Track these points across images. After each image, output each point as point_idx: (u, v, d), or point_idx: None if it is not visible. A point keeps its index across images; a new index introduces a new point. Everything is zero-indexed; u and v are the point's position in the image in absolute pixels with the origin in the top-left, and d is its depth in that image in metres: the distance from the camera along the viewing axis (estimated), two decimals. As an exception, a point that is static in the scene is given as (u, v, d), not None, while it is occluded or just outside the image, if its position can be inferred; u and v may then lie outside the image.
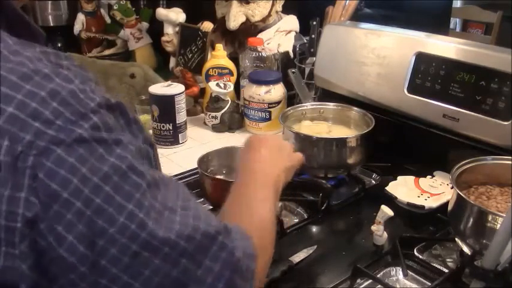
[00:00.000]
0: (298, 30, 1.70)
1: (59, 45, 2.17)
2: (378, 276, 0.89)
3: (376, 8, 1.92)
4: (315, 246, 0.97)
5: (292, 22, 1.71)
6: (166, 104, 1.37)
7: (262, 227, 0.64)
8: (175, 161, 1.35)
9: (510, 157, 0.98)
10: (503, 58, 1.07)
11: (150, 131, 1.44)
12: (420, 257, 0.93)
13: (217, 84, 1.51)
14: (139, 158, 0.49)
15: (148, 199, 0.47)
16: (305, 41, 1.61)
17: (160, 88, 1.40)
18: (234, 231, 0.55)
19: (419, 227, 1.03)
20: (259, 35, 1.65)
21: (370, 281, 0.88)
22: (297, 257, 0.93)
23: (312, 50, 1.54)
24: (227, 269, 0.51)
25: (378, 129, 1.19)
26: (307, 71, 1.55)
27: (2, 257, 0.43)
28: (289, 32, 1.69)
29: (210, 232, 0.51)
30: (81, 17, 2.06)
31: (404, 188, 1.12)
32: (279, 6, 1.69)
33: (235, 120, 1.52)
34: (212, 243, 0.51)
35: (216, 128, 1.52)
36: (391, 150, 1.28)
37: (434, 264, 0.92)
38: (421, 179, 1.15)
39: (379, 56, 1.29)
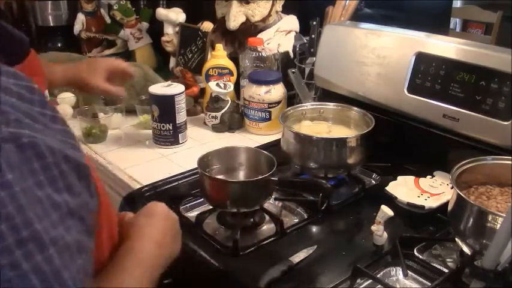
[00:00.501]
0: (298, 30, 1.70)
1: (59, 45, 2.17)
2: (378, 276, 0.89)
3: (376, 8, 1.92)
4: (315, 246, 0.97)
5: (292, 22, 1.71)
6: (166, 104, 1.37)
7: None
8: (175, 161, 1.35)
9: (510, 157, 0.98)
10: (503, 58, 1.07)
11: (150, 131, 1.44)
12: (420, 257, 0.93)
13: (217, 84, 1.51)
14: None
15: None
16: (305, 41, 1.61)
17: (160, 88, 1.40)
18: None
19: (419, 227, 1.03)
20: (259, 35, 1.65)
21: (370, 281, 0.88)
22: (297, 257, 0.93)
23: (312, 50, 1.54)
24: None
25: (378, 129, 1.19)
26: (307, 71, 1.55)
27: None
28: (289, 32, 1.69)
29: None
30: (81, 17, 2.06)
31: (404, 188, 1.12)
32: (279, 6, 1.69)
33: (235, 120, 1.52)
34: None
35: (216, 128, 1.52)
36: (391, 150, 1.28)
37: (434, 264, 0.92)
38: (421, 179, 1.15)
39: (379, 56, 1.29)
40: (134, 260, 0.67)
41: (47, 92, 0.72)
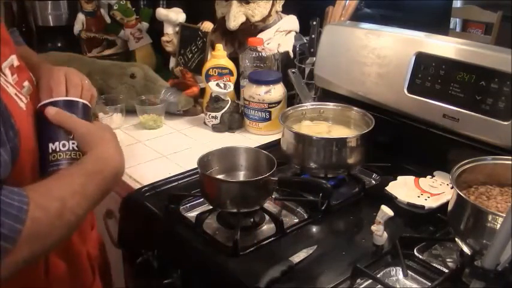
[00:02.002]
0: (298, 30, 1.70)
1: (59, 45, 2.17)
2: (378, 276, 0.89)
3: (376, 8, 1.92)
4: (315, 246, 0.97)
5: (292, 22, 1.71)
6: None
7: (49, 211, 0.66)
8: (175, 161, 1.35)
9: (510, 157, 0.98)
10: (503, 58, 1.07)
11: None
12: (420, 257, 0.93)
13: (217, 84, 1.51)
14: None
15: None
16: (305, 41, 1.61)
17: None
18: None
19: (419, 227, 1.03)
20: (259, 35, 1.65)
21: (370, 281, 0.88)
22: (297, 257, 0.93)
23: (312, 50, 1.54)
24: None
25: (378, 129, 1.19)
26: (307, 71, 1.55)
27: None
28: (289, 32, 1.69)
29: None
30: (81, 17, 2.06)
31: (404, 188, 1.12)
32: (279, 6, 1.69)
33: (235, 120, 1.52)
34: None
35: (216, 128, 1.52)
36: (391, 150, 1.28)
37: (434, 264, 0.92)
38: (421, 179, 1.15)
39: (379, 56, 1.29)
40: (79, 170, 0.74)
41: (6, 63, 0.74)
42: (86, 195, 0.72)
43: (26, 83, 0.82)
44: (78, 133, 0.80)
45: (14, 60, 0.80)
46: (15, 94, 0.75)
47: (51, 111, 0.80)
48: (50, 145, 0.79)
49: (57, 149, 0.79)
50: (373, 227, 0.97)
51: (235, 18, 1.61)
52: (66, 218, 0.68)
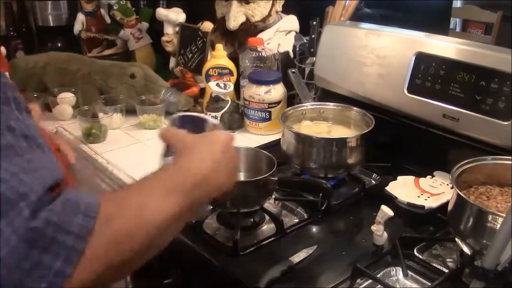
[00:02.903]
0: (298, 30, 1.70)
1: (59, 45, 2.17)
2: (378, 276, 0.89)
3: (376, 8, 1.92)
4: (315, 246, 0.97)
5: (292, 22, 1.71)
6: None
7: (140, 216, 0.58)
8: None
9: (510, 157, 0.98)
10: (503, 58, 1.07)
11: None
12: (420, 257, 0.93)
13: (217, 84, 1.51)
14: None
15: None
16: (305, 41, 1.61)
17: None
18: (62, 203, 0.52)
19: (419, 227, 1.03)
20: (259, 35, 1.65)
21: (370, 281, 0.88)
22: (297, 257, 0.93)
23: (312, 50, 1.54)
24: (16, 235, 0.48)
25: (378, 129, 1.19)
26: (307, 71, 1.55)
27: None
28: (289, 32, 1.69)
29: (8, 196, 0.49)
30: (81, 17, 2.06)
31: (404, 188, 1.12)
32: (279, 6, 1.69)
33: (235, 120, 1.52)
34: (9, 207, 0.49)
35: (216, 128, 1.52)
36: (391, 150, 1.28)
37: (434, 264, 0.92)
38: (421, 179, 1.15)
39: (379, 56, 1.29)
40: (185, 174, 0.66)
41: None
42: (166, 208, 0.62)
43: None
44: (175, 147, 0.75)
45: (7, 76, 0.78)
46: None
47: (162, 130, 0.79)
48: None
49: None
50: (373, 227, 0.97)
51: (235, 18, 1.61)
52: (145, 224, 0.59)
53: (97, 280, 0.53)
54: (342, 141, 1.17)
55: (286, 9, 1.72)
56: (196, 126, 0.84)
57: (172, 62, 1.85)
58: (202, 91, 1.65)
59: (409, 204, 1.08)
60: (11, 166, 0.51)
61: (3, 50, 1.69)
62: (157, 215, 0.60)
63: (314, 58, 1.50)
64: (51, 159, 0.57)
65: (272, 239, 1.00)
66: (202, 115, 0.89)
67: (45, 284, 0.49)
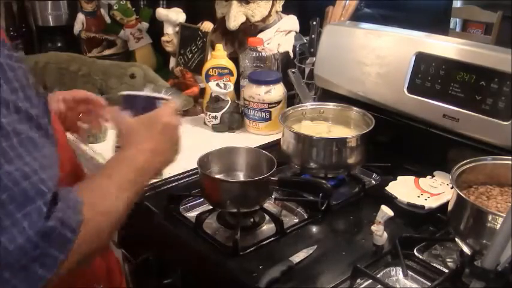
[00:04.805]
0: (298, 30, 1.70)
1: (59, 45, 2.17)
2: (378, 276, 0.89)
3: (376, 8, 1.92)
4: (315, 246, 0.97)
5: (292, 22, 1.71)
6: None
7: (107, 213, 0.67)
8: (175, 161, 1.34)
9: (510, 157, 0.98)
10: (503, 58, 1.07)
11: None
12: (420, 257, 0.93)
13: (217, 84, 1.51)
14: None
15: None
16: (305, 41, 1.61)
17: None
18: (63, 201, 0.59)
19: (419, 227, 1.03)
20: (259, 35, 1.65)
21: (370, 281, 0.88)
22: (297, 257, 0.93)
23: (312, 50, 1.54)
24: (33, 229, 0.55)
25: (378, 129, 1.19)
26: (307, 71, 1.55)
27: None
28: (289, 32, 1.69)
29: (28, 192, 0.56)
30: (81, 17, 2.06)
31: (404, 188, 1.12)
32: (279, 6, 1.69)
33: (235, 120, 1.52)
34: (28, 202, 0.55)
35: (216, 128, 1.52)
36: (391, 150, 1.28)
37: (434, 264, 0.92)
38: (421, 179, 1.15)
39: (379, 56, 1.29)
40: (128, 166, 0.75)
41: None
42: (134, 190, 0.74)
43: None
44: (119, 132, 0.84)
45: None
46: None
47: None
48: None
49: None
50: (373, 227, 0.97)
51: (235, 18, 1.61)
52: (117, 212, 0.70)
53: (78, 263, 0.62)
54: (342, 141, 1.17)
55: (286, 9, 1.72)
56: (146, 105, 0.89)
57: (172, 62, 1.85)
58: (202, 91, 1.65)
59: (409, 204, 1.08)
60: (32, 161, 0.57)
61: None
62: (117, 213, 0.69)
63: (314, 58, 1.50)
64: (56, 154, 0.63)
65: (272, 239, 1.00)
66: (148, 93, 0.92)
67: (45, 268, 0.57)
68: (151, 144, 0.80)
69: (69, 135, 1.32)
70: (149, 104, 0.89)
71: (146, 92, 0.92)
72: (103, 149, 1.41)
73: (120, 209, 0.70)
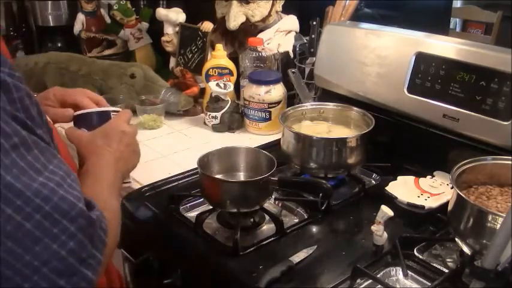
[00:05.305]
0: (298, 30, 1.70)
1: (59, 45, 2.17)
2: (378, 276, 0.89)
3: (376, 8, 1.92)
4: (315, 246, 0.97)
5: (292, 22, 1.71)
6: None
7: (112, 217, 0.70)
8: (175, 161, 1.35)
9: (510, 157, 0.98)
10: (503, 58, 1.07)
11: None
12: (420, 257, 0.93)
13: (217, 84, 1.51)
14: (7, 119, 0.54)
15: (12, 157, 0.53)
16: (305, 41, 1.61)
17: None
18: (95, 206, 0.63)
19: (419, 227, 1.03)
20: (259, 35, 1.65)
21: (370, 281, 0.88)
22: (297, 257, 0.93)
23: (312, 50, 1.54)
24: (81, 232, 0.57)
25: (378, 129, 1.19)
26: (307, 71, 1.55)
27: None
28: (289, 32, 1.69)
29: (69, 199, 0.57)
30: (81, 17, 2.06)
31: (404, 188, 1.12)
32: (279, 6, 1.69)
33: (235, 120, 1.52)
34: (71, 208, 0.57)
35: (216, 128, 1.52)
36: (391, 150, 1.28)
37: (434, 264, 0.92)
38: (421, 179, 1.15)
39: (379, 56, 1.29)
40: (93, 180, 0.76)
41: None
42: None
43: None
44: (77, 150, 0.84)
45: None
46: None
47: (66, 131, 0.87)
48: None
49: None
50: (373, 227, 0.97)
51: (235, 18, 1.61)
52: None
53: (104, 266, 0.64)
54: (342, 141, 1.17)
55: (286, 9, 1.72)
56: (100, 120, 0.91)
57: (172, 62, 1.85)
58: (202, 91, 1.65)
59: (409, 204, 1.08)
60: (53, 174, 0.57)
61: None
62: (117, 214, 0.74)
63: (314, 58, 1.50)
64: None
65: (272, 239, 1.00)
66: (100, 108, 0.94)
67: (91, 269, 0.58)
68: (112, 154, 0.82)
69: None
70: (104, 118, 0.91)
71: (97, 108, 0.94)
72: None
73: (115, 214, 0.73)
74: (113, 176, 0.80)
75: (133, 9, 2.03)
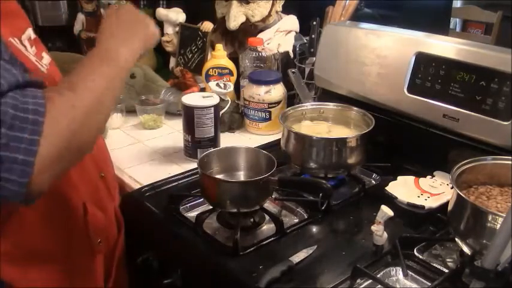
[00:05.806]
0: (298, 30, 1.70)
1: (59, 45, 2.17)
2: (378, 276, 0.89)
3: (376, 8, 1.92)
4: (315, 246, 0.97)
5: (292, 22, 1.71)
6: (188, 114, 1.30)
7: (81, 98, 0.72)
8: (175, 161, 1.35)
9: (510, 157, 0.98)
10: (503, 58, 1.07)
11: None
12: (420, 257, 0.93)
13: (217, 84, 1.51)
14: None
15: None
16: (305, 41, 1.61)
17: (192, 97, 1.32)
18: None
19: (419, 227, 1.03)
20: (259, 35, 1.65)
21: (370, 281, 0.88)
22: (297, 257, 0.93)
23: (312, 50, 1.54)
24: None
25: (378, 129, 1.19)
26: (307, 71, 1.55)
27: None
28: (289, 32, 1.69)
29: None
30: (81, 17, 2.06)
31: (404, 188, 1.12)
32: (279, 6, 1.69)
33: (235, 120, 1.52)
34: None
35: (216, 128, 1.52)
36: (391, 150, 1.28)
37: (434, 264, 0.92)
38: (421, 179, 1.15)
39: (379, 56, 1.29)
40: (80, 64, 0.80)
41: (24, 35, 0.87)
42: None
43: (44, 54, 0.91)
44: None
45: (31, 33, 0.87)
46: (36, 61, 0.83)
47: None
48: None
49: None
50: (373, 227, 0.97)
51: (235, 18, 1.61)
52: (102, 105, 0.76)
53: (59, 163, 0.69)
54: (342, 141, 1.17)
55: (286, 9, 1.72)
56: None
57: (172, 62, 1.86)
58: (202, 91, 1.65)
59: (409, 204, 1.08)
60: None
61: None
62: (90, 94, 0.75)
63: (314, 58, 1.50)
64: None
65: (272, 239, 1.00)
66: None
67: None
68: (112, 29, 0.89)
69: None
70: None
71: None
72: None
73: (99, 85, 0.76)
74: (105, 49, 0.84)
75: (133, 9, 2.03)
